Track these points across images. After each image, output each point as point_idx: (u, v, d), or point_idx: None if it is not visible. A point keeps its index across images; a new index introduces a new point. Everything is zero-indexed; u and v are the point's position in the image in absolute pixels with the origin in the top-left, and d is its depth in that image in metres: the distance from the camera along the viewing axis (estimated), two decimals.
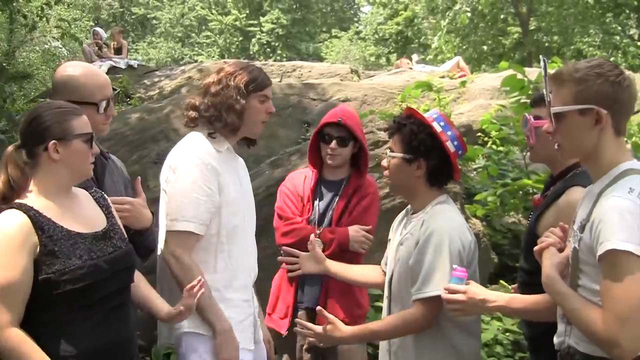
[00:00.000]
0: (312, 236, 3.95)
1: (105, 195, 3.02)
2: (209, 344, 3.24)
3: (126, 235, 2.96)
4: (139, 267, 3.14)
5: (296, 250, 3.74)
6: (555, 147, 2.56)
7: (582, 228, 2.41)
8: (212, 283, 3.26)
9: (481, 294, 2.80)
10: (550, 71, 2.63)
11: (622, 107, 2.44)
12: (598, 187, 2.42)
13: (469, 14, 25.28)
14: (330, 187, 4.22)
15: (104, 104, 3.25)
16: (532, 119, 3.10)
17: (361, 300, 4.18)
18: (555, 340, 2.57)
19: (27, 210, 2.61)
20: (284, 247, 3.88)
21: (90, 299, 2.66)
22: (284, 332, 4.13)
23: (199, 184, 3.24)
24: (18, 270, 2.53)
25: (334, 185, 4.22)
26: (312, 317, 4.00)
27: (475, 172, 8.14)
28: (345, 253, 4.03)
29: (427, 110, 3.47)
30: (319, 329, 3.28)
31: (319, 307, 3.40)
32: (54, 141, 2.68)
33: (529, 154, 3.28)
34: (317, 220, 4.15)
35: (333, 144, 4.10)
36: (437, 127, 3.15)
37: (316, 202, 4.18)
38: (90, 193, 2.96)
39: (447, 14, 26.29)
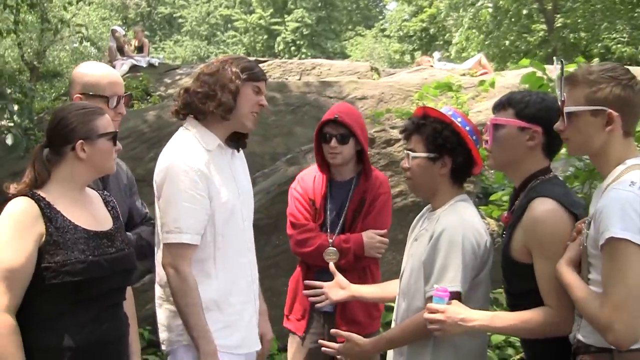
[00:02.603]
0: (327, 249, 3.95)
1: (114, 201, 3.11)
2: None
3: (129, 240, 3.06)
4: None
5: (318, 282, 3.71)
6: (564, 140, 2.69)
7: (588, 224, 2.50)
8: (214, 292, 3.24)
9: (462, 313, 2.84)
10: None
11: (633, 110, 2.55)
12: (605, 184, 2.53)
13: (490, 10, 25.04)
14: (340, 189, 4.12)
15: (114, 99, 3.37)
16: (491, 119, 3.03)
17: None
18: (570, 335, 2.64)
19: (39, 199, 2.72)
20: (306, 281, 3.84)
21: (87, 294, 2.72)
22: (301, 333, 4.09)
23: (190, 192, 3.15)
24: (24, 254, 2.61)
25: (344, 187, 4.11)
26: (331, 320, 4.00)
27: (493, 170, 8.03)
28: (360, 259, 3.98)
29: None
30: (340, 346, 3.30)
31: (333, 330, 3.42)
32: (81, 141, 2.79)
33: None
34: (330, 225, 4.07)
35: (333, 142, 3.99)
36: (457, 123, 3.12)
37: (328, 207, 4.09)
38: (101, 195, 3.05)
39: (469, 10, 26.08)
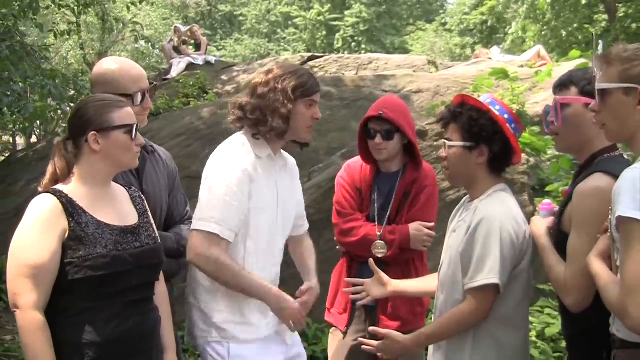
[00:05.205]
0: (375, 243, 3.89)
1: (142, 196, 3.09)
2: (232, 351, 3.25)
3: (157, 235, 3.01)
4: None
5: (360, 280, 3.66)
6: (600, 126, 2.57)
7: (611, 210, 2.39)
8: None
9: None
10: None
11: None
12: None
13: (548, 0, 24.58)
14: (386, 180, 4.04)
15: (139, 96, 3.31)
16: (558, 98, 2.93)
17: (422, 298, 4.02)
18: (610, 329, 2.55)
19: (60, 196, 2.71)
20: (346, 279, 3.81)
21: (111, 289, 2.72)
22: (342, 327, 4.04)
23: (233, 188, 3.17)
24: (48, 252, 2.62)
25: (390, 178, 4.03)
26: (372, 315, 3.96)
27: (549, 162, 7.91)
28: (405, 252, 3.92)
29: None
30: (379, 343, 3.24)
31: (371, 328, 3.36)
32: (93, 132, 2.76)
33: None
34: (377, 216, 4.00)
35: (377, 138, 3.91)
36: (495, 111, 3.06)
37: (374, 197, 4.02)
38: (128, 191, 3.03)
39: (526, 0, 25.64)
